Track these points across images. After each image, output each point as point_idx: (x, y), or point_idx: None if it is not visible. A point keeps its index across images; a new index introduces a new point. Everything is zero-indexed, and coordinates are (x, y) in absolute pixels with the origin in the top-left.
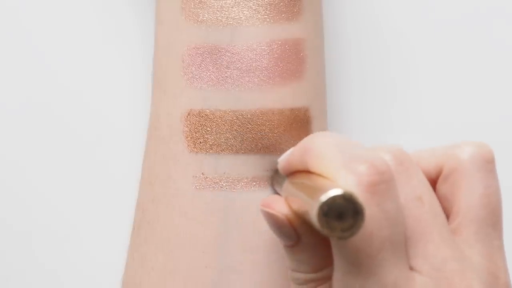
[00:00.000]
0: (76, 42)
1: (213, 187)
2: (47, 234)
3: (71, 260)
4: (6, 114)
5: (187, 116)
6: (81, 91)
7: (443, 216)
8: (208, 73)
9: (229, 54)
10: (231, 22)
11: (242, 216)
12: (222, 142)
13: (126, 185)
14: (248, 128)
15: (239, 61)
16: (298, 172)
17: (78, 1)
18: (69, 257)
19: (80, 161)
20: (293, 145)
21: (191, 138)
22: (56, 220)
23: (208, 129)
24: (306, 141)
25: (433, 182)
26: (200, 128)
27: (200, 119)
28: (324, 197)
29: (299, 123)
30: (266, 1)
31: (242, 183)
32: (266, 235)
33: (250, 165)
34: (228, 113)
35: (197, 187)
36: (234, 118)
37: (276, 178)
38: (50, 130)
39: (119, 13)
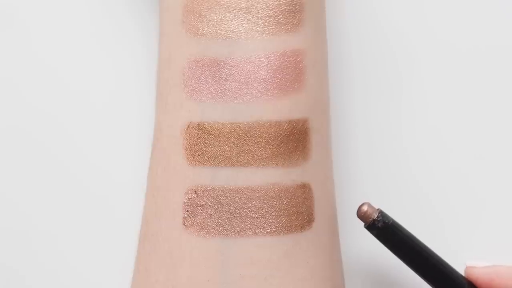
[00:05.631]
0: (82, 52)
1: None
2: (52, 244)
3: (77, 269)
4: (10, 116)
5: (186, 129)
6: (90, 102)
7: None
8: (207, 85)
9: (228, 67)
10: (230, 35)
11: (243, 228)
12: (219, 154)
13: (136, 195)
14: (245, 140)
15: (238, 74)
16: None
17: (84, 11)
18: (75, 265)
19: (91, 171)
20: (290, 157)
21: (189, 150)
22: (64, 229)
23: (207, 141)
24: None
25: None
26: (198, 140)
27: (199, 131)
28: None
29: (297, 135)
30: (266, 14)
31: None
32: (266, 247)
33: (247, 177)
34: (226, 126)
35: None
36: (232, 130)
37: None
38: (57, 141)
39: (127, 23)
